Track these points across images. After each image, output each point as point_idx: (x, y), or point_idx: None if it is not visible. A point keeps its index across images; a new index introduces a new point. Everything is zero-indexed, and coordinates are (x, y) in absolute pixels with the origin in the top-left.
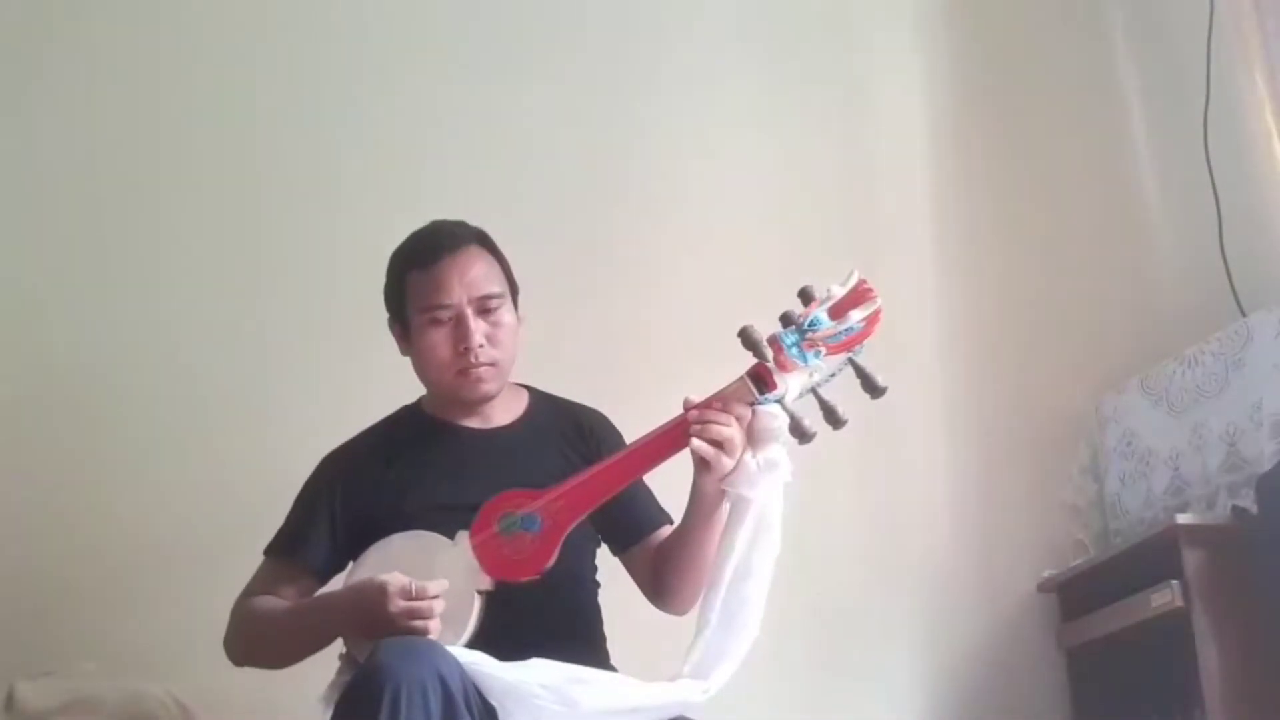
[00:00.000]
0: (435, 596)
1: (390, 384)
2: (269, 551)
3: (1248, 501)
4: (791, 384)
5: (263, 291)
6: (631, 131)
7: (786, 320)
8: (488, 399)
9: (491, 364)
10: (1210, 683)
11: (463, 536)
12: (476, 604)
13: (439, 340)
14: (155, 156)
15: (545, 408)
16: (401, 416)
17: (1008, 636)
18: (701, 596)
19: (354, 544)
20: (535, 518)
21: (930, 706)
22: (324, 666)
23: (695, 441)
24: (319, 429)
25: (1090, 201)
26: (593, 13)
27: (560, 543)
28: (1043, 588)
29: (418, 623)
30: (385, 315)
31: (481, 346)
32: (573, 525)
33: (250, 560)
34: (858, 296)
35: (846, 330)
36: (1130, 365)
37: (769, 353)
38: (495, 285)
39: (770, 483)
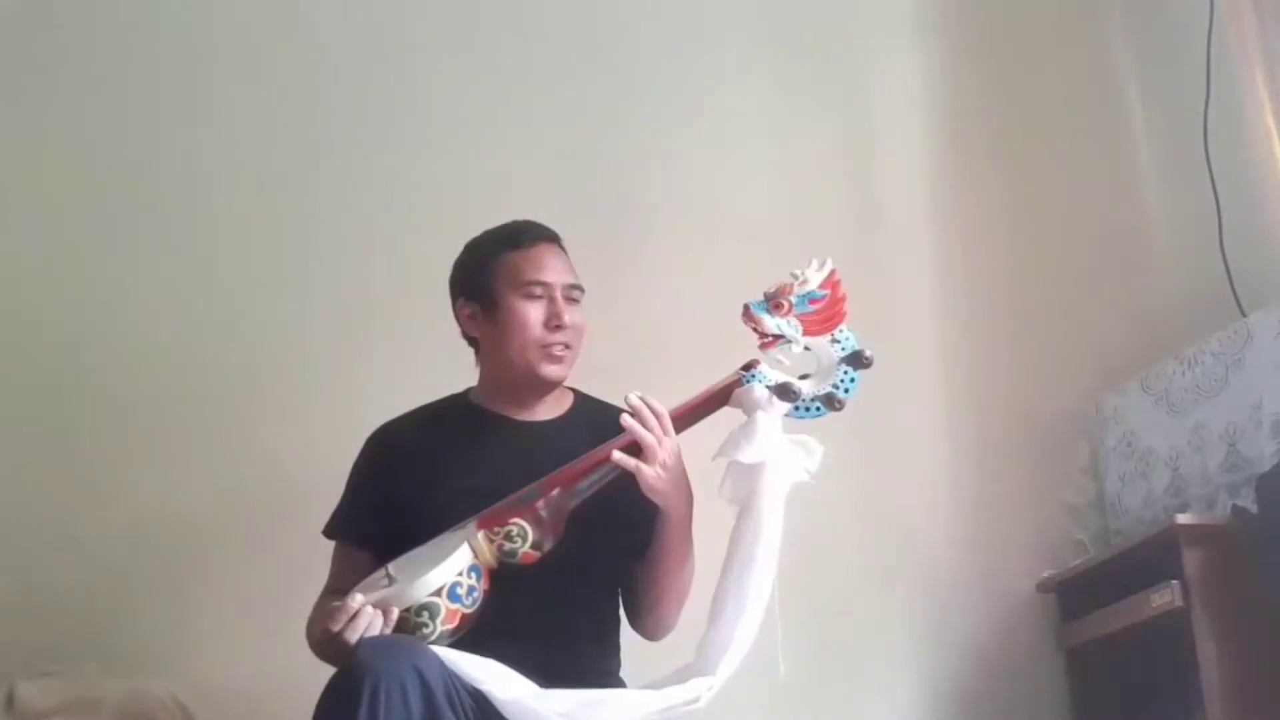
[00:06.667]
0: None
1: (397, 391)
2: (325, 534)
3: (1248, 501)
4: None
5: (264, 293)
6: (632, 132)
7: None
8: (557, 382)
9: (570, 347)
10: (1210, 683)
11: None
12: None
13: (532, 312)
14: (178, 147)
15: (589, 407)
16: (448, 403)
17: (1007, 636)
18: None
19: (393, 520)
20: (528, 531)
21: (930, 706)
22: (324, 666)
23: (617, 454)
24: (321, 433)
25: (1090, 201)
26: (596, 14)
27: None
28: (1042, 588)
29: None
30: (397, 315)
31: (569, 327)
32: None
33: (251, 561)
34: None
35: (808, 295)
36: (1130, 365)
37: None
38: (578, 281)
39: (786, 473)
